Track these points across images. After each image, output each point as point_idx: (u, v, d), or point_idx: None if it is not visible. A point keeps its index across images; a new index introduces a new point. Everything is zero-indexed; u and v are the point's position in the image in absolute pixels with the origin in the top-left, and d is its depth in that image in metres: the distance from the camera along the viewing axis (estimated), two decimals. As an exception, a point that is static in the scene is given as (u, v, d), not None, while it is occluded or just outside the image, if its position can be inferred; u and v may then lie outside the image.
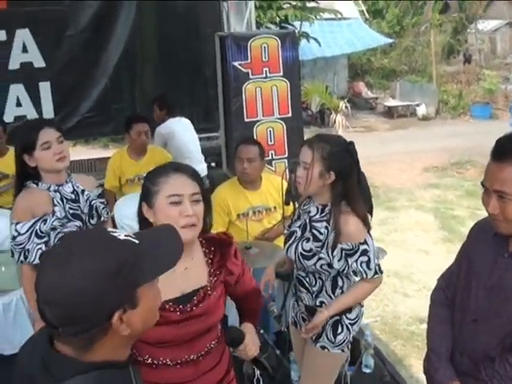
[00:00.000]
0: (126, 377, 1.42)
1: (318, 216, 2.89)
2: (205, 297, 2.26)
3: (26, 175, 3.16)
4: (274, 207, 4.63)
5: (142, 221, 2.26)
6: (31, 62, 6.46)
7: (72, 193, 3.24)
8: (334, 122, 14.85)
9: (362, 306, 3.10)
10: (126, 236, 1.41)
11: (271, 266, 3.38)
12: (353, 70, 22.82)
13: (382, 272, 2.91)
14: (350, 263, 2.81)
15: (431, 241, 8.32)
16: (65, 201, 3.16)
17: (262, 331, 4.15)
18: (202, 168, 6.70)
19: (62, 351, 1.35)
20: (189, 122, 6.67)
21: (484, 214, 2.23)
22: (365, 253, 2.80)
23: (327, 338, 3.00)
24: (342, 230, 2.77)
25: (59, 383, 1.31)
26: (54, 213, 3.09)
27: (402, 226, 8.91)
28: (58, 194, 3.16)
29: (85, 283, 1.28)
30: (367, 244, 2.81)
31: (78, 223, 3.14)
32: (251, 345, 2.43)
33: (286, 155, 5.44)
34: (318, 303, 3.00)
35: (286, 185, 3.62)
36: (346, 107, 17.58)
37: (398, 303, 6.34)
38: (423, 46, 23.41)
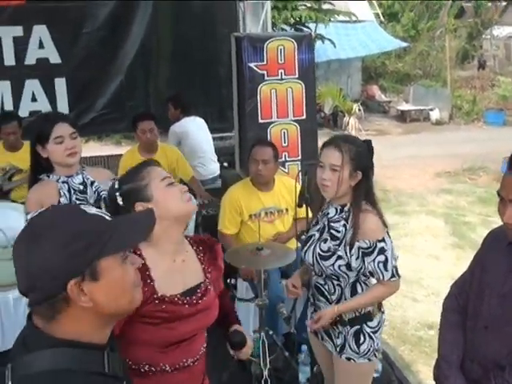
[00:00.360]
0: (97, 359, 1.42)
1: (336, 216, 2.88)
2: (206, 291, 2.30)
3: (39, 167, 3.22)
4: (286, 209, 4.64)
5: None
6: (47, 57, 6.50)
7: (81, 184, 3.28)
8: (347, 124, 14.82)
9: (383, 313, 3.04)
10: (98, 212, 1.46)
11: (297, 272, 3.26)
12: (367, 73, 22.77)
13: (399, 276, 2.87)
14: (366, 263, 2.79)
15: (441, 246, 8.29)
16: (72, 191, 3.20)
17: (270, 332, 4.17)
18: (214, 168, 6.74)
19: (37, 324, 1.40)
20: (203, 121, 6.70)
21: (496, 221, 2.23)
22: (382, 251, 2.77)
23: (351, 349, 2.94)
24: (360, 226, 2.76)
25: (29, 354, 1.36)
26: (59, 203, 3.12)
27: (413, 230, 8.88)
28: (65, 184, 3.20)
29: (40, 252, 1.33)
30: (385, 242, 2.79)
31: None
32: (249, 347, 2.49)
33: (300, 157, 5.44)
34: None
35: (299, 187, 3.63)
36: (360, 110, 17.54)
37: (407, 308, 6.32)
38: (438, 51, 23.33)
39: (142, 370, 2.19)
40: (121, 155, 6.11)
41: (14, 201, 5.65)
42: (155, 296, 2.14)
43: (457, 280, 2.64)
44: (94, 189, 3.35)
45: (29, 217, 3.13)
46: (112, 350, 1.48)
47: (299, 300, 4.22)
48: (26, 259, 1.35)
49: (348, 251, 2.79)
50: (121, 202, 2.18)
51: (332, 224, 2.88)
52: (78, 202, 3.16)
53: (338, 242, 2.82)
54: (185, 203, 2.23)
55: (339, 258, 2.81)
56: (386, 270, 2.80)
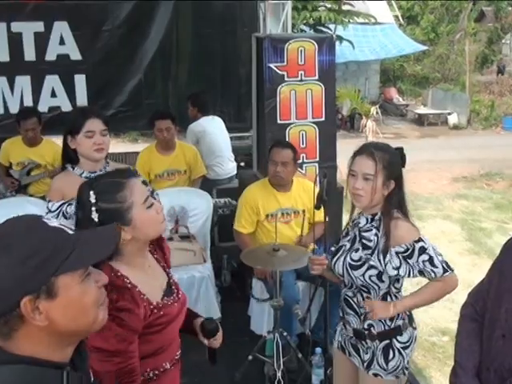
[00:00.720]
0: (54, 379, 1.34)
1: (367, 225, 2.82)
2: (176, 286, 2.34)
3: (68, 157, 3.30)
4: (303, 210, 4.65)
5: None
6: (68, 54, 6.53)
7: None
8: (364, 126, 14.75)
9: (415, 329, 2.94)
10: (59, 225, 1.39)
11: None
12: (385, 76, 22.70)
13: (452, 269, 2.76)
14: (412, 265, 2.70)
15: (457, 252, 8.24)
16: None
17: (285, 333, 4.17)
18: (231, 167, 6.75)
19: None
20: (221, 120, 6.71)
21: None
22: (423, 251, 2.69)
23: (379, 365, 2.86)
24: (392, 233, 2.70)
25: None
26: None
27: (429, 235, 8.77)
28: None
29: None
30: (423, 241, 2.71)
31: None
32: (221, 334, 2.47)
33: (318, 159, 5.43)
34: (366, 326, 2.87)
35: (317, 189, 3.63)
36: (377, 113, 17.47)
37: (420, 313, 6.28)
38: (457, 55, 23.21)
39: (148, 377, 2.21)
40: (137, 153, 6.14)
41: (32, 195, 5.70)
42: (151, 307, 2.15)
43: (474, 287, 2.61)
44: None
45: (49, 205, 3.19)
46: (76, 368, 1.43)
47: (314, 302, 4.22)
48: None
49: (382, 259, 2.73)
50: (96, 219, 2.07)
51: (363, 234, 2.83)
52: None
53: (370, 251, 2.76)
54: (160, 225, 2.22)
55: (371, 267, 2.75)
56: (434, 266, 2.71)
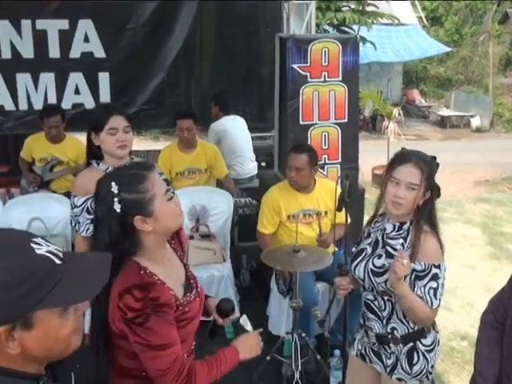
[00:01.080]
0: None
1: (394, 233, 2.79)
2: (194, 277, 2.38)
3: (92, 153, 3.33)
4: (325, 212, 4.65)
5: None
6: (92, 51, 6.58)
7: None
8: (386, 128, 14.64)
9: (438, 332, 2.92)
10: (47, 252, 1.32)
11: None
12: (407, 77, 22.54)
13: (439, 305, 2.75)
14: (417, 287, 2.68)
15: (478, 256, 8.15)
16: None
17: (303, 335, 4.16)
18: (252, 167, 6.76)
19: None
20: (243, 120, 6.73)
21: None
22: (435, 278, 2.68)
23: (403, 369, 2.84)
24: (420, 247, 2.67)
25: None
26: None
27: (449, 238, 8.74)
28: None
29: None
30: (440, 269, 2.69)
31: None
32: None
33: (340, 160, 5.41)
34: (389, 330, 2.84)
35: (339, 190, 3.62)
36: (399, 114, 17.35)
37: (440, 317, 6.16)
38: (481, 57, 22.97)
39: None
40: (159, 151, 6.17)
41: (54, 191, 5.75)
42: (178, 303, 2.18)
43: (495, 295, 2.59)
44: None
45: (75, 200, 3.23)
46: (55, 378, 1.43)
47: (334, 303, 4.20)
48: None
49: None
50: (118, 210, 2.08)
51: (388, 240, 2.80)
52: None
53: (393, 260, 2.70)
54: (179, 217, 2.25)
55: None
56: (435, 297, 2.69)
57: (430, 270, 2.67)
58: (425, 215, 2.73)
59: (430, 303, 2.69)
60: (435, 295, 2.68)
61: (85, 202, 3.21)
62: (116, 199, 2.08)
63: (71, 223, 3.41)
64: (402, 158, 2.75)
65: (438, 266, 2.69)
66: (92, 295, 1.38)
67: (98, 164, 3.30)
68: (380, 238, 2.83)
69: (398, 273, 2.61)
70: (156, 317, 2.05)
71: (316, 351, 4.25)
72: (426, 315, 2.73)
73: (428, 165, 2.71)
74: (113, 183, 2.10)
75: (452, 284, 6.98)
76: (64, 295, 1.29)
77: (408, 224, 2.76)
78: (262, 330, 2.40)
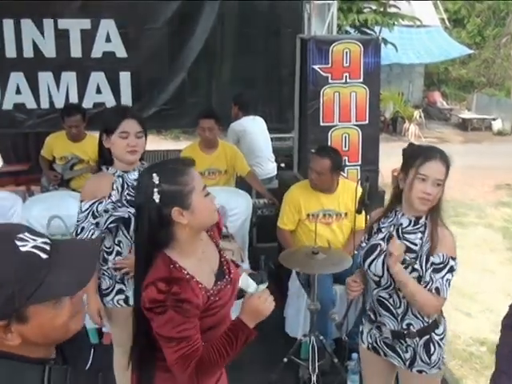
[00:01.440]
0: (35, 373, 1.37)
1: (410, 227, 2.80)
2: (228, 265, 2.40)
3: (102, 155, 3.28)
4: (345, 213, 4.63)
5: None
6: (113, 51, 6.60)
7: (135, 180, 3.31)
8: (407, 130, 14.61)
9: (444, 318, 2.96)
10: (33, 248, 1.32)
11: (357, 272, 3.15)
12: (429, 79, 22.40)
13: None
14: (435, 279, 2.71)
15: (498, 261, 8.08)
16: (125, 186, 3.22)
17: (321, 337, 4.14)
18: (272, 168, 6.75)
19: None
20: (263, 121, 6.72)
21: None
22: (451, 270, 2.72)
23: (422, 361, 2.88)
24: (439, 241, 2.72)
25: None
26: (109, 196, 3.16)
27: (470, 243, 8.67)
28: (120, 179, 3.23)
29: None
30: (455, 261, 2.74)
31: (132, 210, 3.19)
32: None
33: (360, 163, 5.38)
34: (404, 326, 2.86)
35: (359, 193, 3.60)
36: (420, 117, 17.27)
37: (459, 322, 6.17)
38: (503, 59, 22.76)
39: None
40: (179, 150, 6.18)
41: (74, 190, 5.78)
42: (208, 294, 2.22)
43: (516, 298, 2.58)
44: None
45: (82, 205, 3.22)
46: (65, 359, 1.46)
47: (352, 306, 4.17)
48: None
49: (424, 264, 2.72)
50: (157, 200, 2.14)
51: (406, 235, 2.80)
52: (128, 197, 3.19)
53: (414, 255, 2.75)
54: (214, 213, 2.30)
55: (414, 270, 2.74)
56: (448, 288, 2.73)
57: (448, 262, 2.71)
58: (440, 209, 2.79)
59: (443, 293, 2.72)
60: (449, 286, 2.73)
61: (90, 206, 3.18)
62: (156, 189, 2.14)
63: (75, 230, 3.28)
64: (428, 154, 2.76)
65: (455, 259, 2.74)
66: (82, 284, 1.38)
67: (108, 169, 3.26)
68: (395, 233, 2.83)
69: (393, 252, 2.67)
70: (173, 311, 2.09)
71: (333, 354, 4.23)
72: (431, 303, 2.75)
73: (448, 160, 2.76)
74: (154, 174, 2.15)
75: (472, 289, 6.93)
76: (53, 289, 1.31)
77: (424, 218, 2.79)
78: (267, 284, 2.25)
